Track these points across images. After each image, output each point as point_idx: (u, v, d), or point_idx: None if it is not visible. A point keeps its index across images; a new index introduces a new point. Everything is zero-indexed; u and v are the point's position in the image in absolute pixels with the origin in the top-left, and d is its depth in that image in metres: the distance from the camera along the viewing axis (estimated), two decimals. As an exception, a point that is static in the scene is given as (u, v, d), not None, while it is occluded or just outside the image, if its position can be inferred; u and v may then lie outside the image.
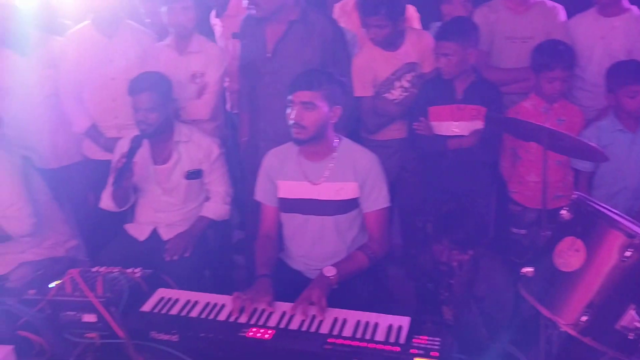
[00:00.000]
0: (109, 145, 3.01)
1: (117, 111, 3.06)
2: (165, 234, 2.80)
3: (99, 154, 3.15)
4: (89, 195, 3.31)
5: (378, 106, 2.98)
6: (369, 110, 2.98)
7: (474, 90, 2.80)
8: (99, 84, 3.06)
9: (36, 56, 3.10)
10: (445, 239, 2.31)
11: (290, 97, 2.26)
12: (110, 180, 2.72)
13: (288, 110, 2.27)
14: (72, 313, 2.01)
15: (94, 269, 2.20)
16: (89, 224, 3.20)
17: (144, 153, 2.74)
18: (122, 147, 2.73)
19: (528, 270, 1.80)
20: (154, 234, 2.82)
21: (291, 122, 2.25)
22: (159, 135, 2.75)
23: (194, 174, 2.82)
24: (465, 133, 2.81)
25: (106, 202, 2.82)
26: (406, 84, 2.96)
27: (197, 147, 2.81)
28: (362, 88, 2.94)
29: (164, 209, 2.84)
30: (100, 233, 3.14)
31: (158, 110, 2.68)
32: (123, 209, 2.83)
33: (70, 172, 3.20)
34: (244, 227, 3.42)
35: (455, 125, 2.83)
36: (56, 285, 2.09)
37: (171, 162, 2.78)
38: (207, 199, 2.91)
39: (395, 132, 3.04)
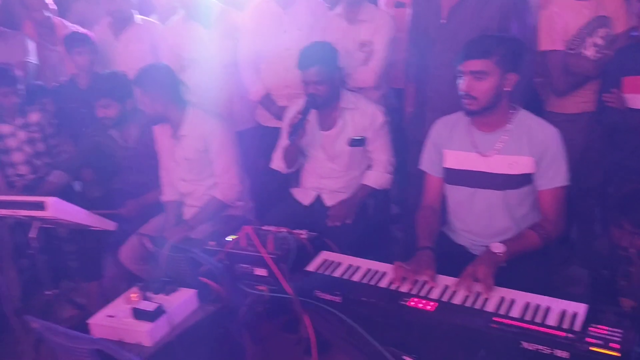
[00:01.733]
0: (280, 113, 3.15)
1: (287, 80, 3.19)
2: (329, 200, 2.88)
3: (270, 122, 3.33)
4: (260, 160, 3.54)
5: (571, 63, 2.76)
6: (559, 66, 2.77)
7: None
8: (274, 55, 3.20)
9: (218, 28, 3.33)
10: (626, 221, 2.08)
11: (459, 67, 2.16)
12: (283, 139, 2.85)
13: (459, 81, 2.18)
14: (245, 266, 2.16)
15: (265, 228, 2.34)
16: (258, 187, 3.41)
17: (311, 118, 2.81)
18: (298, 104, 2.83)
19: None
20: (318, 199, 2.92)
21: (461, 93, 2.16)
22: (327, 103, 2.80)
23: (358, 142, 2.83)
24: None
25: (277, 162, 2.95)
26: (599, 41, 2.70)
27: (362, 114, 2.82)
28: (550, 41, 2.73)
29: (328, 175, 2.91)
30: (267, 196, 3.33)
31: (327, 82, 2.72)
32: (291, 170, 2.94)
33: (244, 137, 3.39)
34: (400, 202, 3.40)
35: None
36: (233, 239, 2.26)
37: (336, 129, 2.83)
38: (369, 167, 2.93)
39: (583, 104, 2.80)
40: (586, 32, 2.71)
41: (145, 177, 3.14)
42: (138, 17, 3.64)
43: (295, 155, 2.86)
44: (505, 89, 2.15)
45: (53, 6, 3.81)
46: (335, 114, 2.83)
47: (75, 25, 3.86)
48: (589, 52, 2.74)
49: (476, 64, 2.11)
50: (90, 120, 3.35)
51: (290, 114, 2.85)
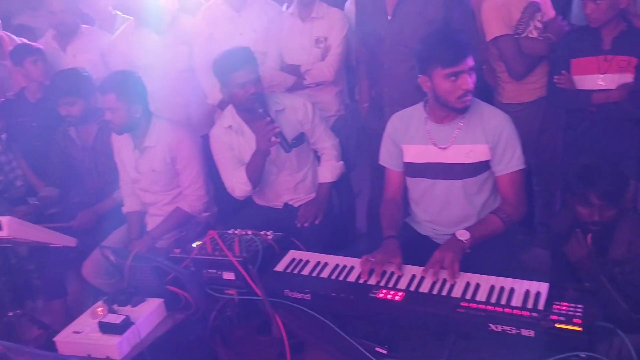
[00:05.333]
0: (239, 115, 3.14)
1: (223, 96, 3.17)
2: (296, 203, 2.88)
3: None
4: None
5: (524, 46, 2.83)
6: (513, 50, 2.83)
7: (624, 40, 2.57)
8: (229, 57, 3.18)
9: (170, 34, 3.29)
10: (594, 195, 2.07)
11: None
12: (229, 163, 2.73)
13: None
14: (213, 271, 2.15)
15: (230, 231, 2.32)
16: (221, 191, 3.38)
17: (248, 136, 2.71)
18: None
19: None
20: (286, 204, 2.90)
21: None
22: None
23: (298, 140, 2.77)
24: (612, 87, 2.59)
25: (242, 187, 2.72)
26: (539, 25, 2.80)
27: (292, 111, 2.76)
28: (499, 27, 2.80)
29: (286, 187, 2.85)
30: (230, 200, 3.30)
31: (258, 81, 2.61)
32: (255, 189, 2.79)
33: (204, 141, 3.37)
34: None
35: (601, 78, 2.61)
36: (198, 245, 2.24)
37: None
38: (318, 160, 2.92)
39: (537, 90, 2.88)
40: (527, 16, 2.80)
41: (102, 179, 3.09)
42: (84, 27, 3.56)
43: (262, 169, 2.68)
44: None
45: (-2, 21, 3.71)
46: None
47: (20, 38, 3.75)
48: (534, 35, 2.83)
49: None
50: (41, 133, 3.28)
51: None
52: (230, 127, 2.76)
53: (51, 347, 2.02)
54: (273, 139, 2.52)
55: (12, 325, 2.68)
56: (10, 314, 2.66)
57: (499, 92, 3.01)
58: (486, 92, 2.98)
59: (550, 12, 2.89)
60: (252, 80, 2.59)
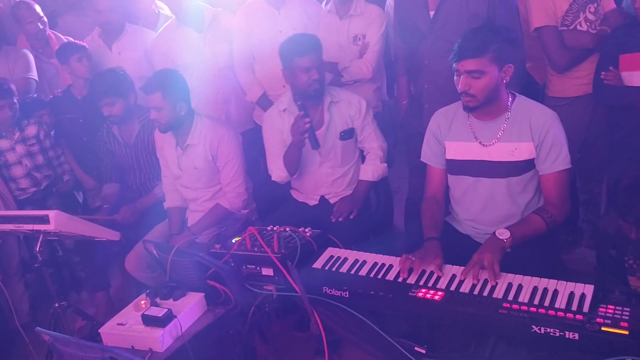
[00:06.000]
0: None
1: (285, 80, 3.19)
2: (332, 199, 2.89)
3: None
4: (260, 161, 3.54)
5: (567, 38, 2.75)
6: (555, 41, 2.76)
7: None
8: (269, 55, 3.20)
9: (210, 32, 3.34)
10: (630, 216, 1.98)
11: (454, 66, 2.13)
12: (276, 148, 2.80)
13: (455, 78, 2.16)
14: (252, 266, 2.17)
15: (269, 228, 2.34)
16: (259, 188, 3.41)
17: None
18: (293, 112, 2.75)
19: None
20: (322, 198, 2.91)
21: (459, 91, 2.14)
22: (317, 99, 2.75)
23: (348, 133, 2.82)
24: (664, 84, 2.50)
25: (278, 172, 2.83)
26: (591, 17, 2.71)
27: (347, 105, 2.81)
28: (543, 17, 2.72)
29: (325, 180, 2.88)
30: (268, 197, 3.33)
31: (322, 69, 2.70)
32: (292, 177, 2.88)
33: (243, 139, 3.41)
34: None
35: None
36: (237, 241, 2.26)
37: (325, 125, 2.81)
38: (363, 160, 2.92)
39: (584, 86, 2.80)
40: (577, 7, 2.72)
41: (144, 175, 3.15)
42: (129, 26, 3.64)
43: (298, 160, 2.77)
44: (503, 81, 2.14)
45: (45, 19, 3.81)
46: (321, 111, 2.81)
47: (67, 37, 3.86)
48: (583, 28, 2.74)
49: (471, 64, 2.08)
50: (87, 129, 3.37)
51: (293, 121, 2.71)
52: (285, 110, 2.82)
53: (95, 337, 2.08)
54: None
55: (58, 316, 2.76)
56: (57, 305, 2.73)
57: (547, 85, 2.94)
58: (532, 89, 2.90)
59: (609, 4, 2.78)
60: (316, 66, 2.65)
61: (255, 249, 2.18)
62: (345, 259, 2.19)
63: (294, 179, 2.91)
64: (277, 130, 2.83)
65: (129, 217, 3.08)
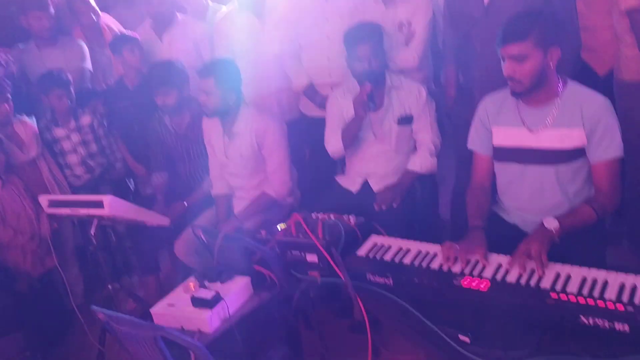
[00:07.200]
0: (323, 102, 3.16)
1: (331, 69, 3.20)
2: (376, 185, 2.89)
3: (314, 111, 3.35)
4: (304, 150, 3.57)
5: None
6: None
7: None
8: (316, 44, 3.22)
9: (268, 17, 3.34)
10: None
11: (499, 52, 2.11)
12: (336, 122, 2.88)
13: (502, 64, 2.13)
14: (297, 252, 2.20)
15: (313, 215, 2.37)
16: (303, 176, 3.43)
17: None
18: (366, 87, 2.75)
19: None
20: (365, 185, 2.93)
21: (505, 76, 2.12)
22: (376, 84, 2.78)
23: (406, 120, 2.85)
24: None
25: (334, 143, 2.90)
26: None
27: (407, 92, 2.84)
28: None
29: (376, 159, 2.91)
30: (313, 185, 3.36)
31: (378, 57, 2.76)
32: (346, 150, 2.92)
33: (288, 127, 3.45)
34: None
35: None
36: (283, 227, 2.30)
37: (384, 108, 2.84)
38: (414, 151, 2.92)
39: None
40: None
41: (193, 165, 3.23)
42: (179, 16, 3.71)
43: (356, 133, 2.83)
44: (550, 64, 2.10)
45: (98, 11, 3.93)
46: (382, 93, 2.83)
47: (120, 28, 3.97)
48: None
49: (514, 48, 2.06)
50: (139, 118, 3.47)
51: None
52: (349, 91, 2.88)
53: (146, 318, 2.15)
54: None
55: (110, 298, 2.88)
56: (110, 287, 2.85)
57: (620, 68, 2.79)
58: (586, 76, 2.78)
59: None
60: (374, 54, 2.72)
61: (300, 235, 2.21)
62: (389, 247, 2.20)
63: (345, 156, 2.98)
64: (339, 109, 2.92)
65: (177, 213, 3.14)
